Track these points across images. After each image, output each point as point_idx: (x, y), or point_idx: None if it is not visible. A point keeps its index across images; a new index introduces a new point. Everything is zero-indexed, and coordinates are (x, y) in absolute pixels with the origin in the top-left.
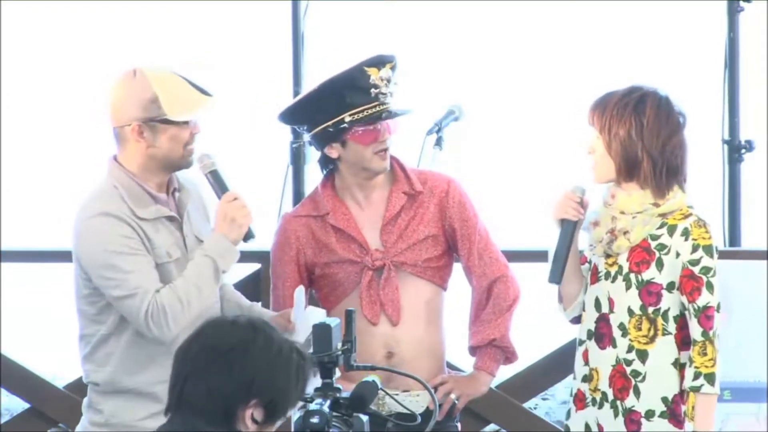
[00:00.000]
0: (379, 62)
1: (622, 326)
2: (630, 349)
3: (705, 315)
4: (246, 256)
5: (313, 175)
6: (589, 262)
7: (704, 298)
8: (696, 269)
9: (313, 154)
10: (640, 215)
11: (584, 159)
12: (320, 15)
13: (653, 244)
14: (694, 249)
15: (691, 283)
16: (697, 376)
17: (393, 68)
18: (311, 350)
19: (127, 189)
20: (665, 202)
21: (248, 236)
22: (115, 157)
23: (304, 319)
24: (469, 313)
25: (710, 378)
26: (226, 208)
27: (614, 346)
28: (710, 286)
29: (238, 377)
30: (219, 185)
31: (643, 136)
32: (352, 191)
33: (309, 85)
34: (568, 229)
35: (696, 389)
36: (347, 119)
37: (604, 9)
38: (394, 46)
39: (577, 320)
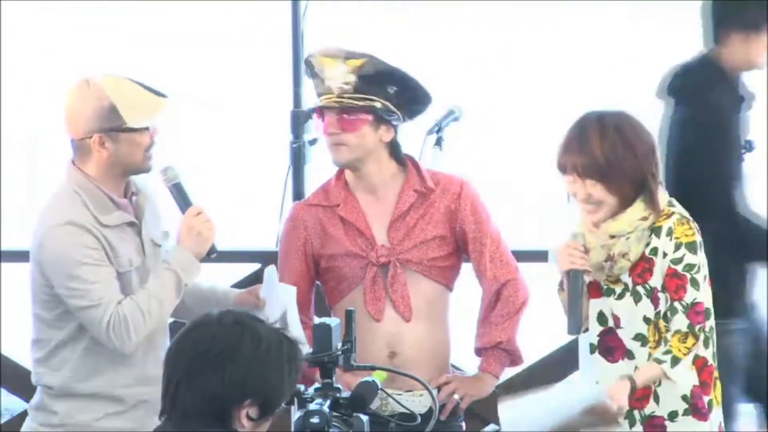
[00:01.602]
0: (331, 54)
1: (640, 337)
2: (649, 356)
3: (694, 311)
4: (246, 256)
5: (314, 175)
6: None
7: (690, 295)
8: (679, 267)
9: (313, 155)
10: (633, 234)
11: (574, 206)
12: (320, 15)
13: (647, 251)
14: (677, 247)
15: (674, 281)
16: (667, 353)
17: (365, 68)
18: (285, 329)
19: (88, 194)
20: (654, 213)
21: (211, 251)
22: (73, 161)
23: (274, 296)
24: (477, 315)
25: (675, 361)
26: (191, 221)
27: (631, 357)
28: (695, 283)
29: (230, 380)
30: (183, 199)
31: (639, 158)
32: (361, 185)
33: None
34: (578, 278)
35: (659, 362)
36: (314, 101)
37: (604, 9)
38: (394, 46)
39: None
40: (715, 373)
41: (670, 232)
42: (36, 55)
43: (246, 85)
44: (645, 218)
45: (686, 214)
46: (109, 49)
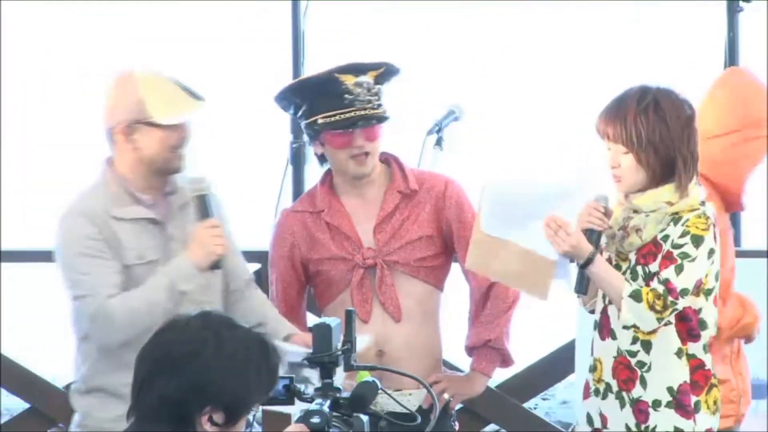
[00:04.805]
0: (354, 69)
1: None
2: (635, 340)
3: (667, 287)
4: (246, 256)
5: (313, 175)
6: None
7: (667, 273)
8: (675, 252)
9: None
10: (653, 213)
11: (608, 172)
12: (320, 15)
13: (660, 236)
14: (683, 235)
15: (665, 262)
16: (635, 286)
17: (383, 75)
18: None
19: (108, 188)
20: (680, 200)
21: (215, 266)
22: (108, 159)
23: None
24: (468, 314)
25: (636, 297)
26: (202, 233)
27: (614, 337)
28: (680, 269)
29: (186, 386)
30: (203, 211)
31: (673, 137)
32: (348, 189)
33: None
34: (593, 238)
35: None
36: (320, 121)
37: (605, 9)
38: (394, 46)
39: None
40: (714, 380)
41: (685, 222)
42: (36, 55)
43: (246, 85)
44: (671, 203)
45: (712, 214)
46: (109, 48)
